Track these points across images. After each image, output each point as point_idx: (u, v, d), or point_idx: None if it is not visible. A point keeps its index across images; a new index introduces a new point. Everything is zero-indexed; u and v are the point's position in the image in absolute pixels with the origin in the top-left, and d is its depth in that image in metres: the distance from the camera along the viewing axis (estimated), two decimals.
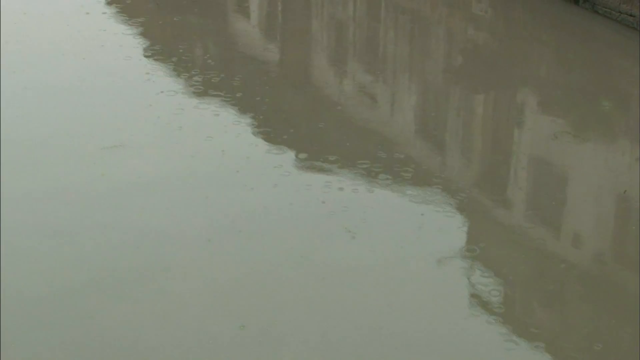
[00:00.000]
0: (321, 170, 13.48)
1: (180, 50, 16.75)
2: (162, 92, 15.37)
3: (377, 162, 13.72)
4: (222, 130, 14.45)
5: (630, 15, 16.82)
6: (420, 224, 12.50)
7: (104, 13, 18.04)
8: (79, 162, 13.45)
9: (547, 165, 13.90)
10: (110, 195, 12.67)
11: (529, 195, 13.37)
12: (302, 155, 13.92)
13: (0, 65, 15.87)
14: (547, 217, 12.79)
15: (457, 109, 15.40)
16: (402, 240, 12.08)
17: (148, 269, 11.03)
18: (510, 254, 11.96)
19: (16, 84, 15.39)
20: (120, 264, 11.09)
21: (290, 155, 13.87)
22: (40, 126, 14.31)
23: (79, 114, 14.66)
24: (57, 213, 12.22)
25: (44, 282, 10.72)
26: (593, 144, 14.52)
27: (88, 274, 10.97)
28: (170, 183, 13.05)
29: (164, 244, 11.61)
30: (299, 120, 14.84)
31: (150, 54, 16.53)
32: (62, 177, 13.15)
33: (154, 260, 11.31)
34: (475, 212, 12.77)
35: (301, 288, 10.88)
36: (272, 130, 14.47)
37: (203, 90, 15.42)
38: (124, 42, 16.99)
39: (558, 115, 14.99)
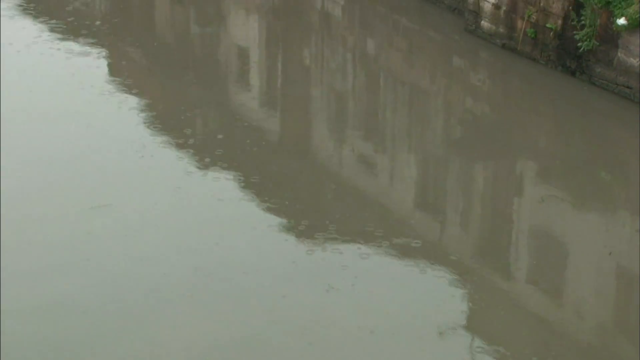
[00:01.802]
0: (320, 239, 13.48)
1: (182, 118, 16.84)
2: (162, 160, 15.45)
3: (377, 232, 13.72)
4: (220, 198, 14.48)
5: (628, 87, 16.95)
6: (420, 293, 12.48)
7: (104, 85, 18.15)
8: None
9: (548, 235, 13.89)
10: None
11: (529, 266, 13.35)
12: (302, 225, 13.93)
13: (1, 130, 16.03)
14: (548, 287, 12.76)
15: (456, 178, 15.45)
16: (401, 310, 12.06)
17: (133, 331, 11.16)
18: (511, 324, 11.92)
19: (14, 147, 15.55)
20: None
21: (290, 224, 13.89)
22: (37, 184, 14.51)
23: (75, 180, 14.85)
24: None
25: (31, 333, 10.89)
26: (593, 214, 14.53)
27: (74, 328, 11.16)
28: (168, 251, 13.14)
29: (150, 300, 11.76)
30: (298, 190, 14.87)
31: (149, 125, 16.61)
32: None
33: (139, 319, 11.50)
34: (475, 282, 12.74)
35: (300, 351, 10.99)
36: (271, 198, 14.49)
37: (202, 157, 15.48)
38: (124, 113, 17.08)
39: (558, 185, 15.02)
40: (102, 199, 14.19)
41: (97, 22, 21.19)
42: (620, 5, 16.57)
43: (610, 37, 17.00)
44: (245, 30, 21.48)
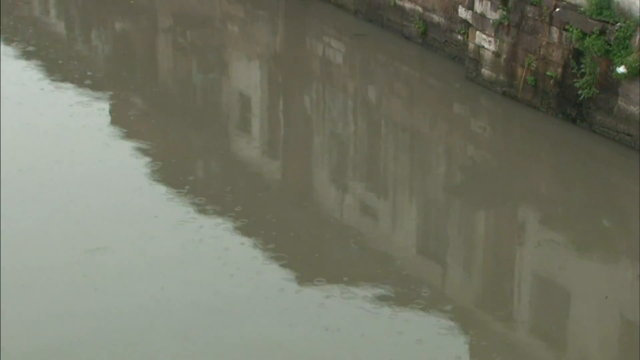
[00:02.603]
0: (321, 285, 13.46)
1: (183, 164, 16.89)
2: (162, 205, 15.47)
3: (378, 278, 13.71)
4: (221, 243, 14.47)
5: (628, 135, 17.03)
6: (421, 339, 12.43)
7: (106, 130, 18.22)
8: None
9: (550, 282, 13.87)
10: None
11: (531, 313, 13.31)
12: (304, 270, 13.91)
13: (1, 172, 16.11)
14: (550, 335, 12.72)
15: (457, 225, 15.45)
16: (402, 356, 12.01)
17: None
18: None
19: (14, 191, 15.60)
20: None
21: (291, 269, 13.87)
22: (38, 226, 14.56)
23: (73, 223, 14.90)
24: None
25: None
26: (595, 261, 14.53)
27: None
28: (169, 303, 13.13)
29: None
30: (300, 236, 14.86)
31: (150, 170, 16.66)
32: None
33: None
34: (477, 330, 12.70)
35: None
36: (273, 244, 14.48)
37: (202, 203, 15.50)
38: (124, 158, 17.14)
39: (559, 231, 15.03)
40: (101, 242, 14.27)
41: (100, 68, 21.34)
42: (619, 54, 16.68)
43: (610, 85, 17.09)
44: (247, 77, 21.60)
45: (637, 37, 16.51)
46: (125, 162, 17.03)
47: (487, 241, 15.18)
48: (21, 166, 16.62)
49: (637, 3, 16.61)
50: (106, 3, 25.66)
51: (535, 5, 18.32)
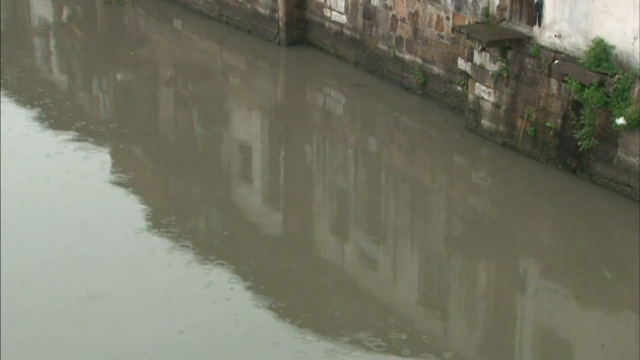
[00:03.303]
0: (321, 338, 13.42)
1: (183, 214, 16.91)
2: (162, 254, 15.47)
3: (379, 328, 13.67)
4: (222, 293, 14.46)
5: (629, 186, 17.08)
6: None
7: (107, 181, 18.26)
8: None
9: (551, 332, 13.83)
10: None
11: None
12: (304, 320, 13.88)
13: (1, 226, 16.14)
14: None
15: (458, 275, 15.44)
16: None
17: None
18: None
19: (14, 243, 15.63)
20: None
21: (292, 319, 13.84)
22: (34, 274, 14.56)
23: (71, 270, 14.90)
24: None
25: None
26: (596, 312, 14.50)
27: None
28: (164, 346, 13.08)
29: None
30: (301, 285, 14.85)
31: (150, 219, 16.69)
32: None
33: None
34: None
35: None
36: (273, 294, 14.46)
37: (203, 253, 15.50)
38: (125, 208, 17.18)
39: (561, 283, 15.02)
40: (97, 289, 14.33)
41: (101, 118, 21.42)
42: (619, 106, 16.77)
43: (609, 136, 17.18)
44: (248, 127, 21.69)
45: (636, 88, 16.62)
46: (123, 210, 17.08)
47: (488, 291, 15.17)
48: (18, 212, 16.71)
49: (635, 55, 16.75)
50: (108, 54, 25.83)
51: (534, 57, 18.47)
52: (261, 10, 26.61)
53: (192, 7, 29.13)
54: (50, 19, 29.95)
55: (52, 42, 27.60)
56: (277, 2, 25.85)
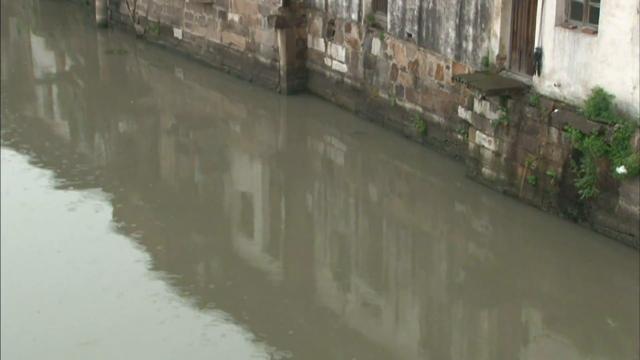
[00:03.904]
0: None
1: (184, 262, 16.91)
2: (161, 301, 15.44)
3: None
4: (222, 341, 14.41)
5: (630, 235, 17.09)
6: None
7: (108, 228, 18.29)
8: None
9: None
10: None
11: None
12: None
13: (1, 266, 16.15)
14: None
15: (460, 324, 15.40)
16: None
17: None
18: None
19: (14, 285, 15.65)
20: None
21: None
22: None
23: (68, 317, 14.89)
24: None
25: None
26: None
27: None
28: None
29: None
30: (302, 333, 14.81)
31: (150, 268, 16.68)
32: None
33: None
34: None
35: None
36: (275, 343, 14.42)
37: (203, 301, 15.47)
38: (122, 253, 17.18)
39: (563, 331, 14.98)
40: (95, 335, 14.33)
41: (102, 167, 21.48)
42: (619, 154, 16.83)
43: (610, 185, 17.22)
44: (249, 175, 21.75)
45: (636, 137, 16.70)
46: (123, 257, 17.10)
47: (490, 339, 15.12)
48: (16, 258, 16.77)
49: (635, 105, 16.85)
50: (110, 104, 25.97)
51: (534, 106, 18.59)
52: (262, 59, 26.81)
53: (194, 56, 29.35)
54: (53, 69, 30.17)
55: (55, 92, 27.78)
56: (278, 51, 26.06)
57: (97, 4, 33.07)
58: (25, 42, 34.05)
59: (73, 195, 19.66)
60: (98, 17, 33.18)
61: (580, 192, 17.65)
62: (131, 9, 31.87)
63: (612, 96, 17.17)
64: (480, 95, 19.66)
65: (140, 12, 31.60)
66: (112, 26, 33.09)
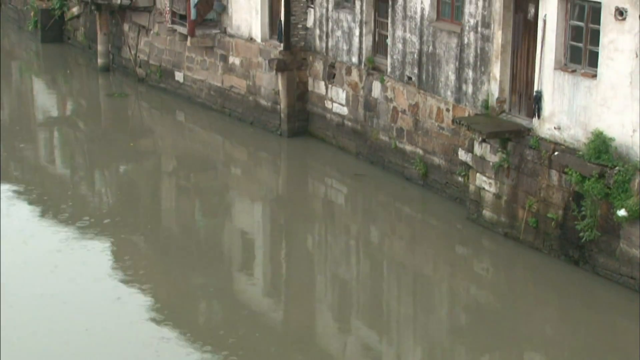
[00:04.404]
0: None
1: (184, 306, 16.87)
2: (162, 346, 15.39)
3: None
4: None
5: (631, 278, 17.04)
6: None
7: (108, 272, 18.26)
8: None
9: None
10: None
11: None
12: None
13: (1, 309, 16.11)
14: None
15: None
16: None
17: None
18: None
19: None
20: None
21: None
22: None
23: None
24: None
25: None
26: None
27: None
28: None
29: None
30: None
31: (151, 312, 16.63)
32: None
33: None
34: None
35: None
36: None
37: (204, 345, 15.41)
38: (122, 296, 17.14)
39: None
40: None
41: (103, 211, 21.48)
42: (619, 197, 16.84)
43: (611, 228, 17.21)
44: (250, 218, 21.75)
45: (637, 180, 16.71)
46: (123, 300, 17.04)
47: None
48: (17, 302, 16.73)
49: (635, 148, 16.89)
50: (111, 146, 26.03)
51: (534, 148, 18.63)
52: (263, 102, 26.92)
53: (195, 99, 29.48)
54: (54, 112, 30.29)
55: (56, 135, 27.85)
56: (279, 94, 26.18)
57: (99, 47, 33.28)
58: (27, 85, 34.23)
59: (73, 238, 19.64)
60: (100, 60, 33.37)
61: (581, 234, 17.63)
62: (133, 52, 32.06)
63: (612, 139, 17.22)
64: (480, 138, 19.71)
65: (142, 56, 31.78)
66: (114, 70, 33.28)
